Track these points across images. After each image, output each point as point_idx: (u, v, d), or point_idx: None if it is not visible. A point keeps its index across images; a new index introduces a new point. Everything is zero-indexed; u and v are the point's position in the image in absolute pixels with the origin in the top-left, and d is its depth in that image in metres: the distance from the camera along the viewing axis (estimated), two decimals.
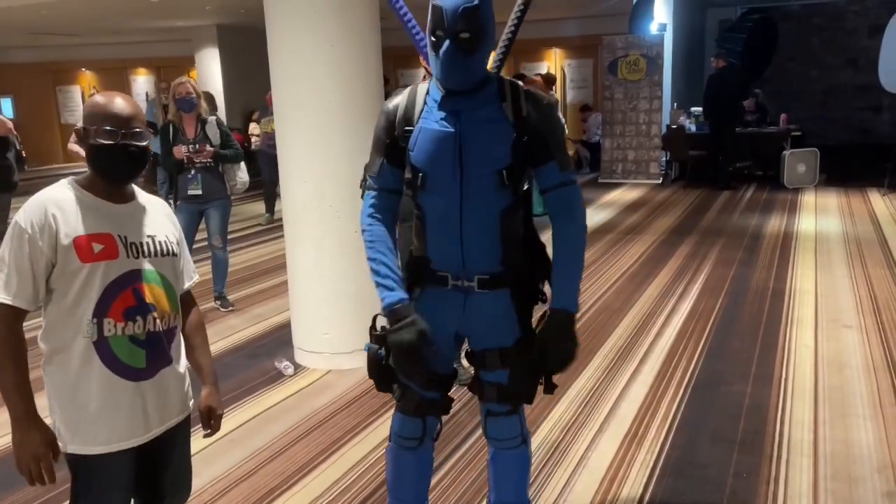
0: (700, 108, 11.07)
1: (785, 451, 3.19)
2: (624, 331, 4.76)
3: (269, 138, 8.69)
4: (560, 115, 9.83)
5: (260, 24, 4.20)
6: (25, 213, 1.78)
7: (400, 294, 2.06)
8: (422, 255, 2.13)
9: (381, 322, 2.21)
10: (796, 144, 10.56)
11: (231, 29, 13.65)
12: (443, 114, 2.01)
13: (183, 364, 2.02)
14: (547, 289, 2.18)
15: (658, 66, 11.04)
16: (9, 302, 1.76)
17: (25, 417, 1.78)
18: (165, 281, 1.92)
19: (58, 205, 1.78)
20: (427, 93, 2.07)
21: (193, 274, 2.10)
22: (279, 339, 4.79)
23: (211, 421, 2.07)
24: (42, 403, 1.85)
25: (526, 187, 2.14)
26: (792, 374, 4.00)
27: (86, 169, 1.90)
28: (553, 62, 15.01)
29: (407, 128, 2.06)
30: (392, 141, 2.09)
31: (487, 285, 2.08)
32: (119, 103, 1.84)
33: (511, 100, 2.01)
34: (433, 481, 2.96)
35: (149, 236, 1.90)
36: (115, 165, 1.84)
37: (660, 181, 11.10)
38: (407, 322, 2.02)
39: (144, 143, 1.86)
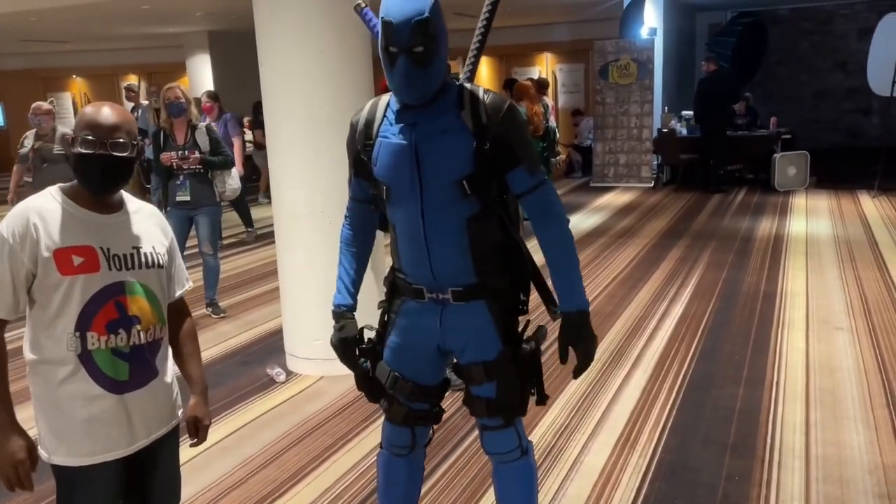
0: (691, 112, 11.11)
1: (777, 454, 3.20)
2: (616, 335, 4.77)
3: None
4: (553, 120, 9.83)
5: (251, 30, 4.20)
6: (7, 222, 1.76)
7: (340, 298, 2.21)
8: (399, 268, 2.15)
9: (369, 334, 2.23)
10: (786, 147, 10.61)
11: (222, 35, 13.63)
12: (400, 126, 1.99)
13: (170, 374, 1.99)
14: (533, 296, 2.16)
15: (649, 71, 11.08)
16: None
17: (5, 424, 1.77)
18: (150, 293, 1.89)
19: (40, 215, 1.76)
20: (388, 105, 2.05)
21: (186, 281, 2.07)
22: (271, 346, 4.78)
23: (197, 431, 2.06)
24: (29, 414, 1.85)
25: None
26: (783, 376, 4.01)
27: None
28: (545, 67, 15.05)
29: (367, 142, 2.05)
30: (356, 154, 2.11)
31: (461, 297, 2.05)
32: (104, 112, 1.80)
33: (470, 107, 1.96)
34: (425, 487, 2.96)
35: (134, 248, 1.87)
36: (94, 175, 1.80)
37: (651, 185, 11.13)
38: (336, 326, 2.19)
39: (125, 154, 1.80)
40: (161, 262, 1.93)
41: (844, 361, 4.18)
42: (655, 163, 11.41)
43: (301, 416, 3.78)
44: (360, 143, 2.07)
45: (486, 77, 15.17)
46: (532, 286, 2.15)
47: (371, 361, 2.21)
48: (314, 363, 4.22)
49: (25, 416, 1.85)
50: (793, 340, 4.54)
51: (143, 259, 1.88)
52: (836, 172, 10.95)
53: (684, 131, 10.97)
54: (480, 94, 1.99)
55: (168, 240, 2.00)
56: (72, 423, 1.80)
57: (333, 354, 4.42)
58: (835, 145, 13.93)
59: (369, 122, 2.05)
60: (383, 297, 2.25)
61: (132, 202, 1.94)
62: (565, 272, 2.03)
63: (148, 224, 1.94)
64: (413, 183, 1.97)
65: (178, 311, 2.06)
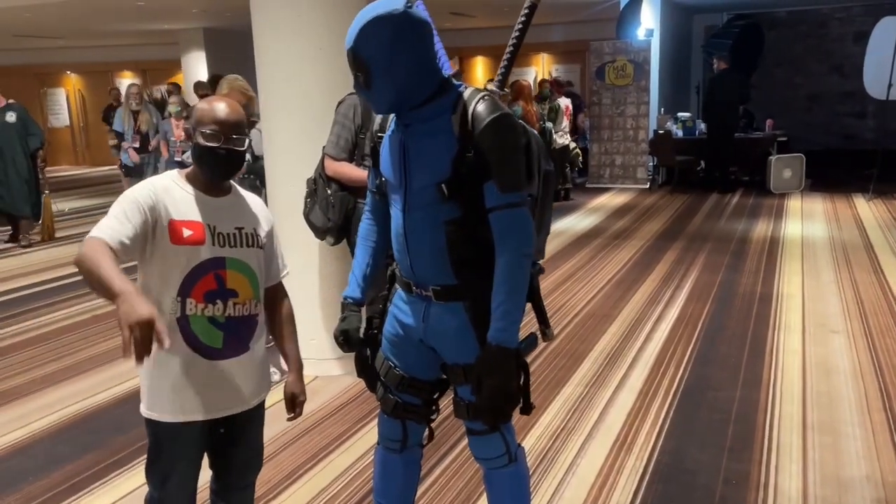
0: (687, 114, 11.12)
1: (774, 457, 3.19)
2: (612, 337, 4.75)
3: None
4: (566, 120, 9.77)
5: (247, 27, 4.17)
6: (138, 189, 1.96)
7: (349, 290, 2.25)
8: (392, 261, 2.21)
9: (374, 321, 2.28)
10: (782, 150, 10.63)
11: (218, 32, 13.59)
12: (397, 123, 2.04)
13: (261, 351, 2.15)
14: None
15: (645, 72, 11.08)
16: (103, 237, 1.81)
17: (127, 290, 1.68)
18: (249, 270, 2.05)
19: (164, 190, 1.98)
20: None
21: (284, 267, 2.25)
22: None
23: (294, 406, 2.23)
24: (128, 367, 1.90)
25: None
26: (780, 379, 4.00)
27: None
28: (541, 67, 15.06)
29: (379, 134, 2.15)
30: (373, 145, 2.19)
31: (441, 297, 2.05)
32: (225, 110, 2.00)
33: (460, 113, 1.93)
34: (421, 489, 2.94)
35: (237, 228, 2.05)
36: (215, 165, 2.01)
37: (647, 186, 11.13)
38: (340, 317, 2.23)
39: (242, 149, 2.03)
40: (260, 243, 2.11)
41: (841, 364, 4.18)
42: (651, 164, 11.41)
43: None
44: (375, 136, 2.16)
45: (481, 77, 15.16)
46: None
47: (371, 349, 2.26)
48: (309, 363, 4.13)
49: (123, 369, 1.94)
50: (789, 343, 4.53)
51: (244, 239, 2.06)
52: (831, 175, 10.97)
53: (680, 133, 10.97)
54: (474, 100, 1.94)
55: (269, 226, 2.17)
56: (164, 381, 1.98)
57: (329, 354, 4.44)
58: (830, 148, 13.98)
59: (385, 118, 2.14)
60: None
61: (240, 190, 2.15)
62: (501, 303, 1.92)
63: (252, 209, 2.13)
64: (400, 180, 2.02)
65: (277, 295, 2.23)
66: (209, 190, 2.05)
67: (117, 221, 1.87)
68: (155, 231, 1.93)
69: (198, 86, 8.88)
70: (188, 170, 2.09)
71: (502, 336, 1.92)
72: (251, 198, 2.18)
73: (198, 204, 2.02)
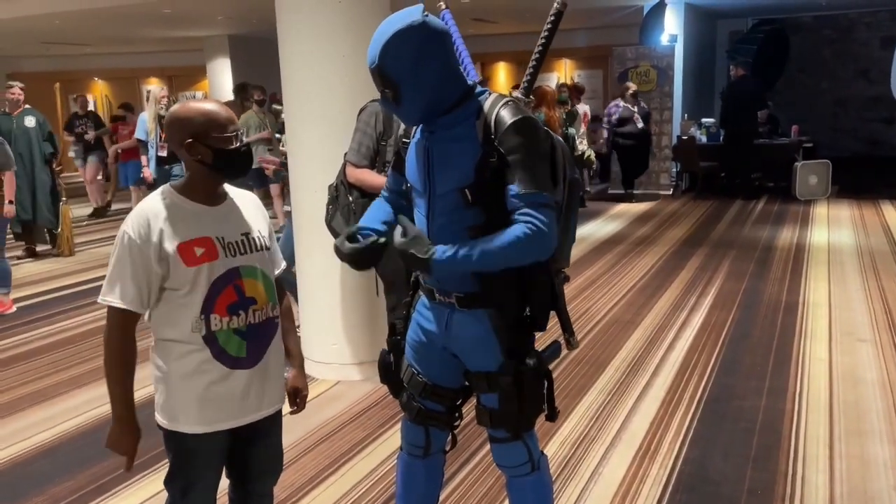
0: (711, 119, 11.03)
1: (800, 468, 3.15)
2: (635, 344, 4.72)
3: None
4: (584, 126, 9.72)
5: (272, 34, 4.21)
6: (132, 223, 1.91)
7: (363, 223, 2.16)
8: None
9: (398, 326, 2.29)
10: (808, 156, 10.51)
11: (243, 39, 13.71)
12: (422, 129, 2.05)
13: (281, 355, 2.14)
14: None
15: (669, 77, 11.02)
16: (122, 306, 1.90)
17: (126, 420, 1.98)
18: (262, 275, 2.04)
19: (160, 216, 1.92)
20: None
21: (281, 262, 2.22)
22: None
23: (297, 400, 2.22)
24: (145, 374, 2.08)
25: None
26: (806, 388, 3.95)
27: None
28: (563, 73, 15.02)
29: (405, 139, 2.15)
30: (398, 149, 2.22)
31: (465, 304, 2.04)
32: (224, 109, 1.98)
33: (484, 117, 1.95)
34: (443, 494, 2.93)
35: (243, 234, 2.03)
36: (241, 165, 2.00)
37: (670, 192, 11.06)
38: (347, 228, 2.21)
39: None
40: (266, 244, 2.09)
41: (868, 374, 4.12)
42: (674, 170, 11.34)
43: (317, 421, 3.76)
44: (401, 141, 2.17)
45: (504, 83, 15.17)
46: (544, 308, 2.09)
47: (395, 355, 2.25)
48: (331, 368, 4.21)
49: (149, 372, 2.08)
50: (815, 352, 4.48)
51: (251, 244, 2.04)
52: (857, 181, 10.84)
53: (704, 139, 10.90)
54: (497, 105, 1.95)
55: (267, 223, 2.15)
56: (191, 394, 1.97)
57: (351, 359, 4.44)
58: (856, 154, 13.81)
59: None
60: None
61: (231, 191, 2.09)
62: (475, 246, 1.88)
63: (251, 211, 2.10)
64: (425, 186, 2.03)
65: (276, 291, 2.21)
66: (209, 200, 2.00)
67: (128, 281, 1.88)
68: (163, 264, 1.89)
69: (241, 88, 8.69)
70: (180, 184, 2.01)
71: (438, 254, 1.89)
72: (241, 197, 2.11)
73: (202, 218, 1.97)
